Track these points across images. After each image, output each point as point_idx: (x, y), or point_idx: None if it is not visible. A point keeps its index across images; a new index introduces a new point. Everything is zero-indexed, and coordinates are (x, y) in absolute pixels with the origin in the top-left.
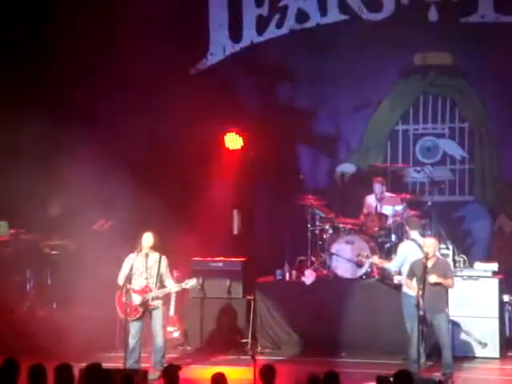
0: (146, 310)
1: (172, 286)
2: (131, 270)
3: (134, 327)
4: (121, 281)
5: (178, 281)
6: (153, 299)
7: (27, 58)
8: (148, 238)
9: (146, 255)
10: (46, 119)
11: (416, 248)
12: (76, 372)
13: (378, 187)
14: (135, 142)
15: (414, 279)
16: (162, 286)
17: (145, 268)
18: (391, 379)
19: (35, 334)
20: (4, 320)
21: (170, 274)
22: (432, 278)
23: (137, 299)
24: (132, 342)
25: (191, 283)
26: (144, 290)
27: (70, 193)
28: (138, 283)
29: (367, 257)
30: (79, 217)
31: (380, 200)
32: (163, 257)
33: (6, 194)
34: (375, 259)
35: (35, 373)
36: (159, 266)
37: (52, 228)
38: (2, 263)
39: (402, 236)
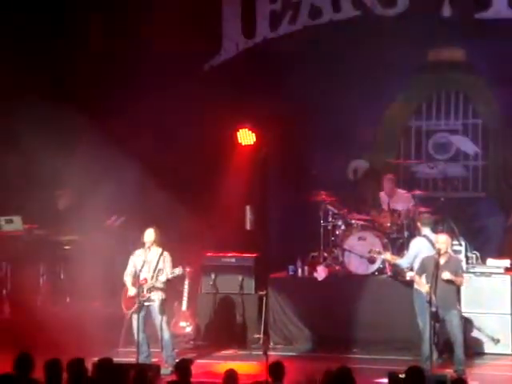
0: (142, 301)
1: (161, 277)
2: (137, 265)
3: (137, 321)
4: (126, 277)
5: (191, 277)
6: (148, 290)
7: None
8: (149, 234)
9: (150, 250)
10: (59, 114)
11: (428, 244)
12: (89, 366)
13: (386, 184)
14: (148, 138)
15: (424, 276)
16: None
17: (147, 262)
18: (403, 375)
19: (48, 329)
20: (17, 314)
21: (169, 270)
22: (445, 275)
23: (132, 291)
24: (139, 336)
25: (177, 272)
26: (141, 282)
27: (84, 189)
28: (141, 278)
29: (379, 253)
30: (92, 212)
31: (390, 197)
32: (165, 252)
33: (19, 190)
34: (387, 255)
35: (52, 368)
36: (159, 259)
37: (65, 223)
38: (15, 258)
39: (414, 232)
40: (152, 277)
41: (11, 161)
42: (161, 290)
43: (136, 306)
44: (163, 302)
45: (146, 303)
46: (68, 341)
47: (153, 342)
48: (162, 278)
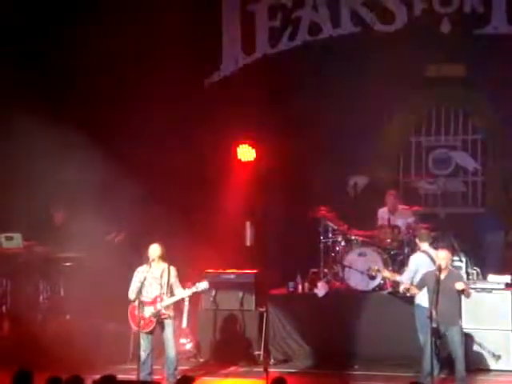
0: (158, 320)
1: (183, 292)
2: (141, 282)
3: (146, 340)
4: (132, 294)
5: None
6: (165, 308)
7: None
8: (155, 249)
9: (155, 266)
10: (57, 130)
11: (427, 260)
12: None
13: (390, 200)
14: (148, 153)
15: (423, 290)
16: (172, 295)
17: (154, 278)
18: None
19: (48, 346)
20: (17, 331)
21: (179, 284)
22: (459, 286)
23: (149, 311)
24: (143, 354)
25: (202, 286)
26: (155, 301)
27: (83, 205)
28: (148, 295)
29: (378, 271)
30: (92, 228)
31: (392, 213)
32: (172, 267)
33: (19, 207)
34: (386, 273)
35: None
36: (168, 275)
37: (63, 239)
38: (15, 275)
39: (414, 248)
40: (166, 293)
41: (11, 177)
42: (172, 306)
43: (153, 326)
44: (173, 319)
45: (160, 320)
46: (68, 358)
47: (154, 359)
48: (187, 292)
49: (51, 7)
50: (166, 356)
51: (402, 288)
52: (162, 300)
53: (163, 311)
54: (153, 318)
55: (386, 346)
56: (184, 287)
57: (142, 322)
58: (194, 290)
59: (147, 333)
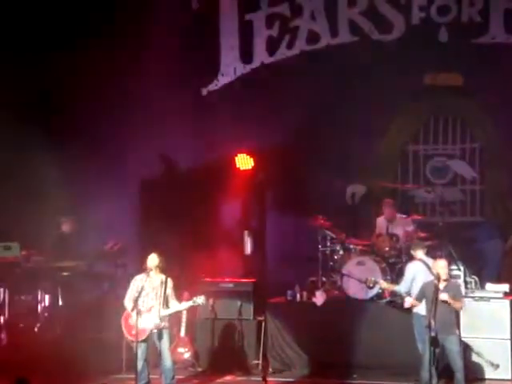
0: (152, 331)
1: (180, 305)
2: (138, 291)
3: (141, 349)
4: (127, 302)
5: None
6: (160, 320)
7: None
8: (153, 259)
9: (153, 276)
10: (55, 142)
11: (424, 267)
12: None
13: (388, 209)
14: (146, 162)
15: (423, 301)
16: (167, 306)
17: (151, 288)
18: None
19: (46, 356)
20: (15, 341)
21: (174, 296)
22: (443, 296)
23: (144, 320)
24: (139, 364)
25: (199, 300)
26: (150, 311)
27: (81, 214)
28: (144, 304)
29: (375, 282)
30: (90, 238)
31: (390, 221)
32: (169, 279)
33: (17, 216)
34: (384, 284)
35: None
36: (165, 287)
37: (63, 249)
38: (13, 284)
39: (413, 257)
40: (162, 304)
41: (11, 186)
42: (168, 317)
43: (146, 335)
44: (169, 330)
45: (154, 331)
46: (66, 367)
47: (152, 368)
48: (184, 305)
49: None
50: (162, 366)
51: (406, 304)
52: (158, 311)
53: (158, 322)
54: (147, 328)
55: (384, 355)
56: (182, 297)
57: (135, 331)
58: (190, 303)
59: (141, 342)
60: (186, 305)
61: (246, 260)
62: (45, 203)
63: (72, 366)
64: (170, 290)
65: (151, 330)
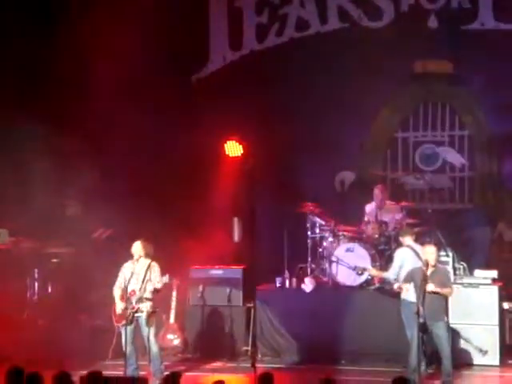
0: (131, 314)
1: (150, 285)
2: (126, 279)
3: (125, 334)
4: (116, 289)
5: (178, 289)
6: (136, 302)
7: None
8: (137, 247)
9: (139, 263)
10: (47, 131)
11: (412, 253)
12: (76, 380)
13: (378, 196)
14: (135, 149)
15: (411, 285)
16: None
17: (136, 274)
18: None
19: (35, 343)
20: (3, 328)
21: (159, 282)
22: (430, 287)
23: (122, 304)
24: (128, 349)
25: (164, 280)
26: (130, 295)
27: (69, 201)
28: (129, 290)
29: (364, 269)
30: (79, 225)
31: (380, 208)
32: (153, 263)
33: (6, 203)
34: (372, 271)
35: (32, 381)
36: (147, 270)
37: (52, 236)
38: (1, 271)
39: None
40: (140, 288)
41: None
42: (149, 300)
43: (126, 318)
44: (151, 314)
45: (135, 315)
46: (55, 354)
47: (141, 355)
48: (149, 286)
49: None
50: (149, 353)
51: (395, 286)
52: (134, 293)
53: (134, 304)
54: (125, 310)
55: (372, 341)
56: (172, 285)
57: (117, 316)
58: (156, 284)
59: (124, 325)
60: (151, 286)
61: (235, 247)
62: (33, 189)
63: (61, 352)
64: (152, 274)
65: (129, 314)
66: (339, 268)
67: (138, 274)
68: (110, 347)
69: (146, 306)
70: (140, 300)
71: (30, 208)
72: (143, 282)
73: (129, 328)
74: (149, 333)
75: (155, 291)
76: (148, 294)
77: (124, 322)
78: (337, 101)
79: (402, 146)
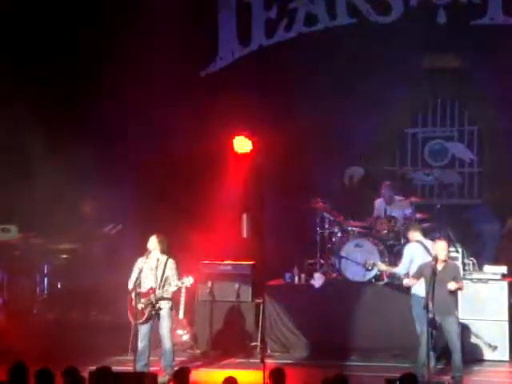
0: (151, 312)
1: (171, 286)
2: (139, 273)
3: (142, 330)
4: (130, 285)
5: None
6: (157, 301)
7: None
8: (152, 241)
9: (152, 258)
10: (57, 129)
11: (421, 248)
12: (86, 375)
13: (386, 191)
14: (145, 145)
15: (421, 280)
16: (165, 288)
17: (150, 270)
18: (397, 382)
19: (45, 338)
20: (14, 324)
21: (176, 277)
22: (451, 285)
23: (142, 302)
24: (140, 345)
25: (187, 281)
26: (148, 293)
27: (80, 198)
28: (145, 286)
29: (374, 265)
30: (89, 221)
31: (389, 204)
32: (170, 259)
33: (17, 199)
34: (382, 266)
35: (42, 377)
36: (164, 268)
37: (62, 232)
38: (12, 267)
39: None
40: (159, 286)
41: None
42: (170, 300)
43: (145, 316)
44: (171, 311)
45: (155, 312)
46: (65, 349)
47: (152, 350)
48: (172, 288)
49: None
50: (162, 348)
51: (405, 282)
52: (154, 292)
53: (154, 303)
54: (145, 309)
55: (382, 336)
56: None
57: (135, 313)
58: (179, 284)
59: (142, 323)
60: (174, 286)
61: (244, 242)
62: (43, 186)
63: (70, 348)
64: (170, 271)
65: (150, 312)
66: (348, 263)
67: (155, 271)
68: (120, 343)
69: (165, 303)
70: (161, 298)
71: (39, 204)
72: (162, 279)
73: (146, 325)
74: (167, 329)
75: (178, 290)
76: (169, 294)
77: (143, 319)
78: (346, 96)
79: (411, 141)
